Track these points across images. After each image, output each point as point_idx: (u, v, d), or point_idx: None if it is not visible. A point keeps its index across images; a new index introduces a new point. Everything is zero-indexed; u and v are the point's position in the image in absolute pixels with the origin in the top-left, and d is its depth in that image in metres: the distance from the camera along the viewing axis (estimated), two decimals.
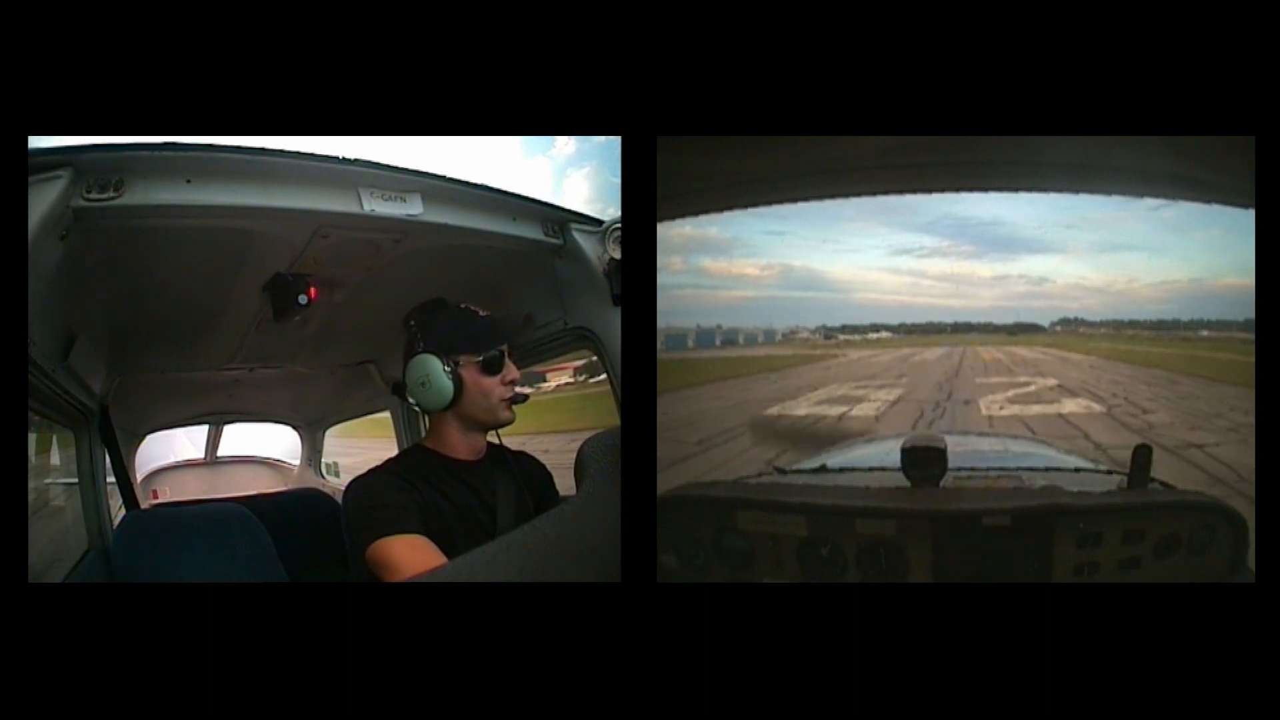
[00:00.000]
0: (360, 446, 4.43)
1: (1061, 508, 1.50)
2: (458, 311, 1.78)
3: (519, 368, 1.80)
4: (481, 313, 1.78)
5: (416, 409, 1.91)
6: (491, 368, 1.73)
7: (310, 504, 3.01)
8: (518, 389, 1.79)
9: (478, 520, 1.71)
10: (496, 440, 1.87)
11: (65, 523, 2.60)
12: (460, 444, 1.78)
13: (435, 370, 1.71)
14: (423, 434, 1.98)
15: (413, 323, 1.78)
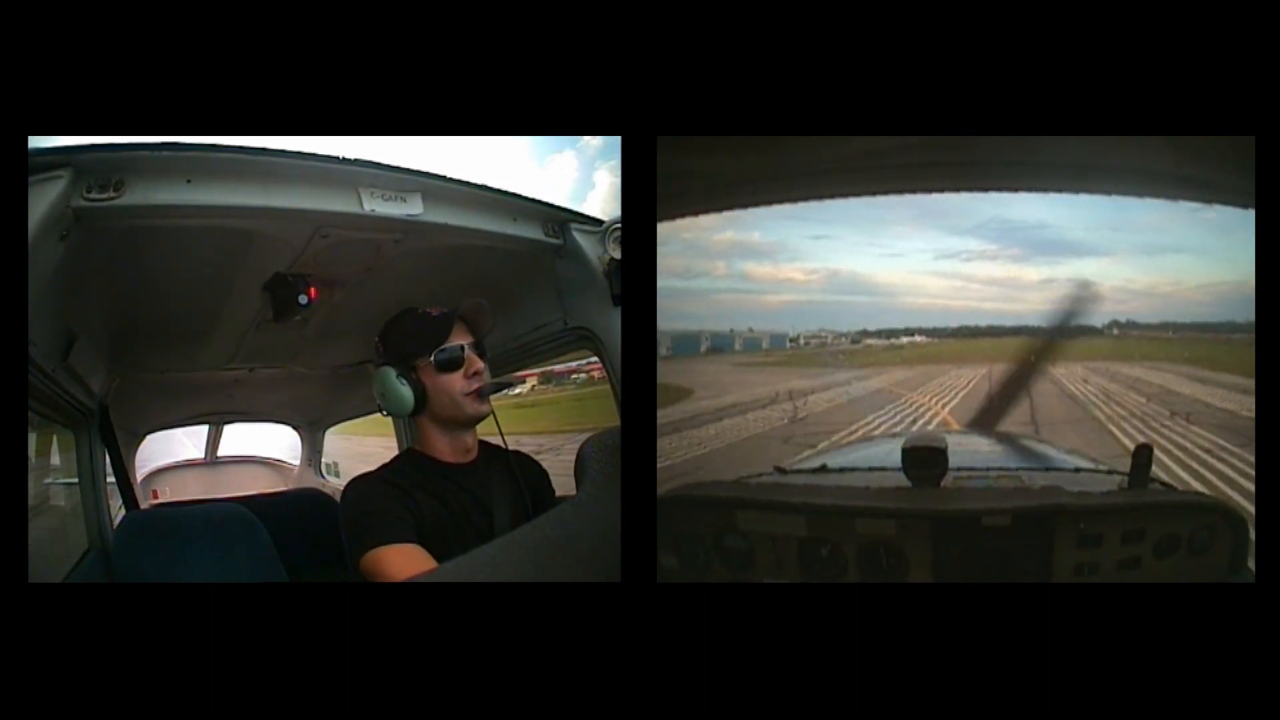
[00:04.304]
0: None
1: (1061, 508, 1.50)
2: (412, 317, 1.78)
3: (519, 367, 1.79)
4: (434, 312, 1.77)
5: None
6: (446, 366, 1.72)
7: (310, 504, 3.01)
8: (491, 379, 1.78)
9: (473, 523, 1.71)
10: (502, 441, 1.86)
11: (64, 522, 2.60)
12: (444, 446, 1.77)
13: (388, 380, 1.73)
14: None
15: (377, 339, 1.80)
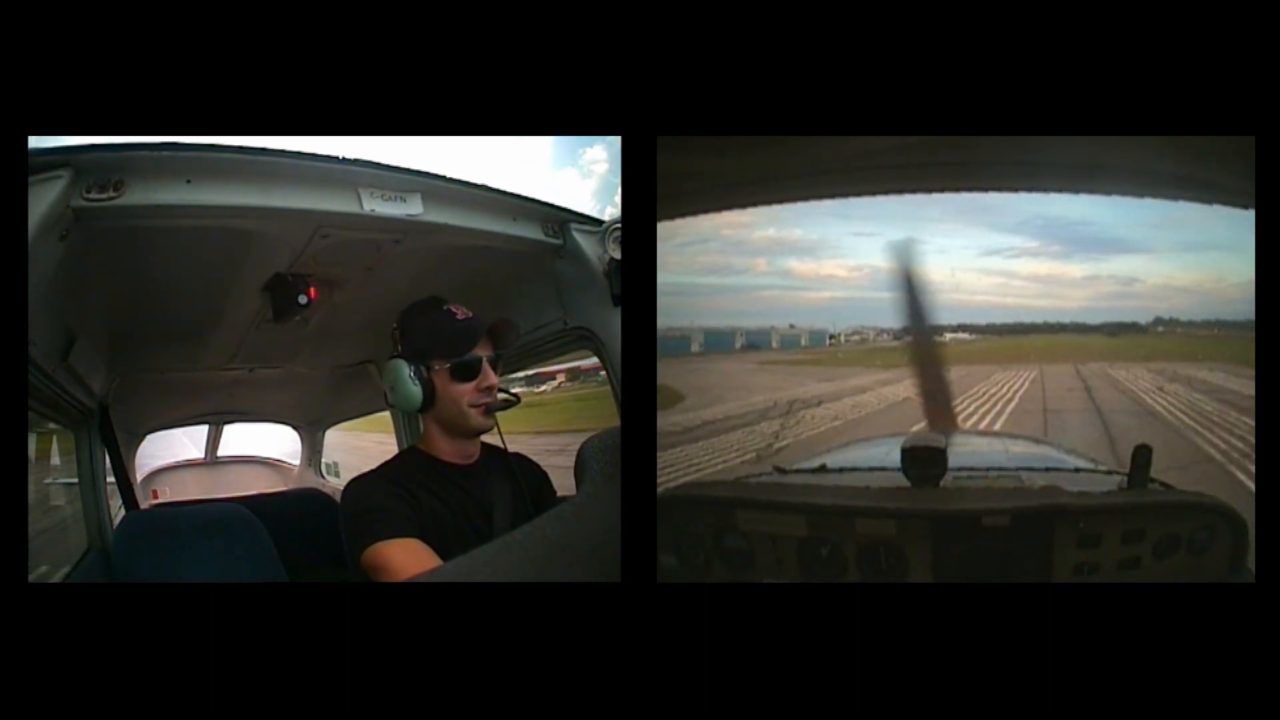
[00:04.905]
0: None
1: (1061, 508, 1.50)
2: (437, 315, 1.76)
3: (518, 368, 1.79)
4: (460, 316, 1.76)
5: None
6: (460, 374, 1.71)
7: (310, 504, 3.01)
8: (503, 394, 1.78)
9: (473, 524, 1.71)
10: (501, 442, 1.86)
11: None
12: (447, 448, 1.77)
13: (401, 376, 1.71)
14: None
15: (395, 325, 1.78)
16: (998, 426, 11.76)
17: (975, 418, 11.91)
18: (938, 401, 3.10)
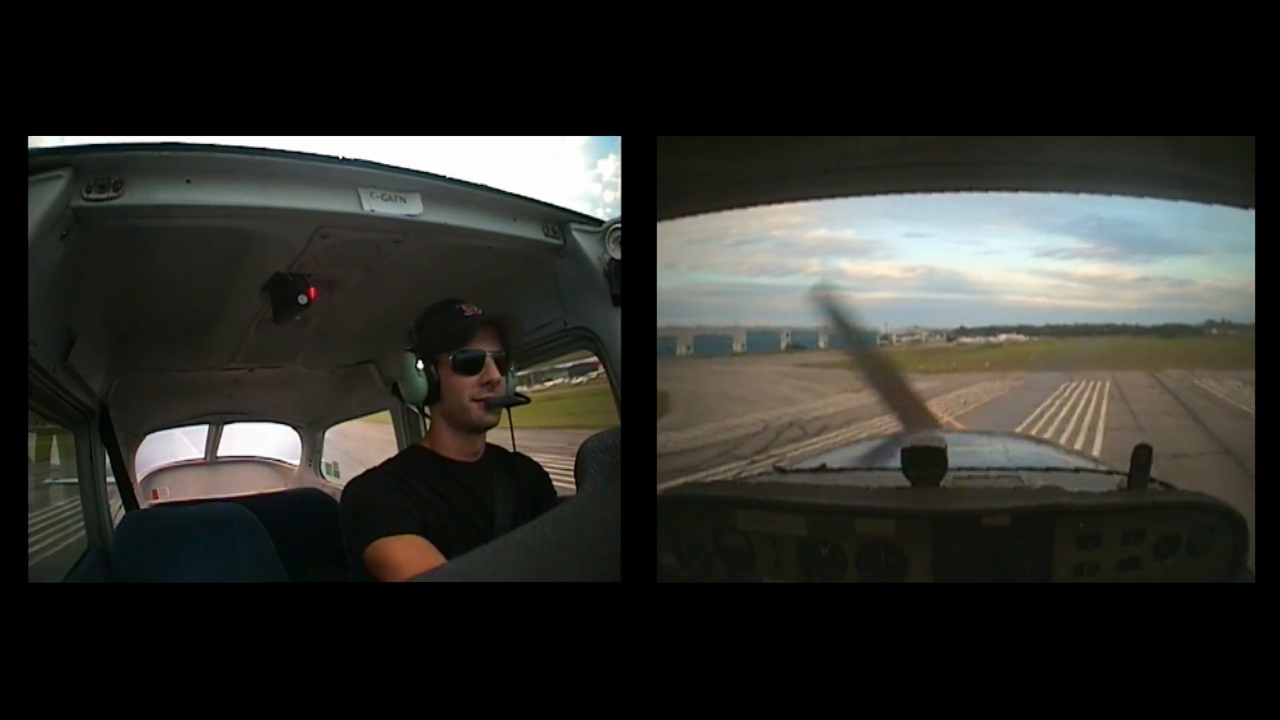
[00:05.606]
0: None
1: (1061, 508, 1.50)
2: (447, 311, 1.79)
3: (520, 367, 1.79)
4: (468, 312, 1.78)
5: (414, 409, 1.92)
6: (463, 368, 1.73)
7: (310, 504, 3.01)
8: (510, 392, 1.78)
9: (474, 521, 1.71)
10: (511, 441, 1.87)
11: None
12: (453, 444, 1.78)
13: (409, 367, 1.74)
14: (423, 434, 1.98)
15: (412, 322, 1.80)
16: None
17: None
18: (908, 404, 3.13)
